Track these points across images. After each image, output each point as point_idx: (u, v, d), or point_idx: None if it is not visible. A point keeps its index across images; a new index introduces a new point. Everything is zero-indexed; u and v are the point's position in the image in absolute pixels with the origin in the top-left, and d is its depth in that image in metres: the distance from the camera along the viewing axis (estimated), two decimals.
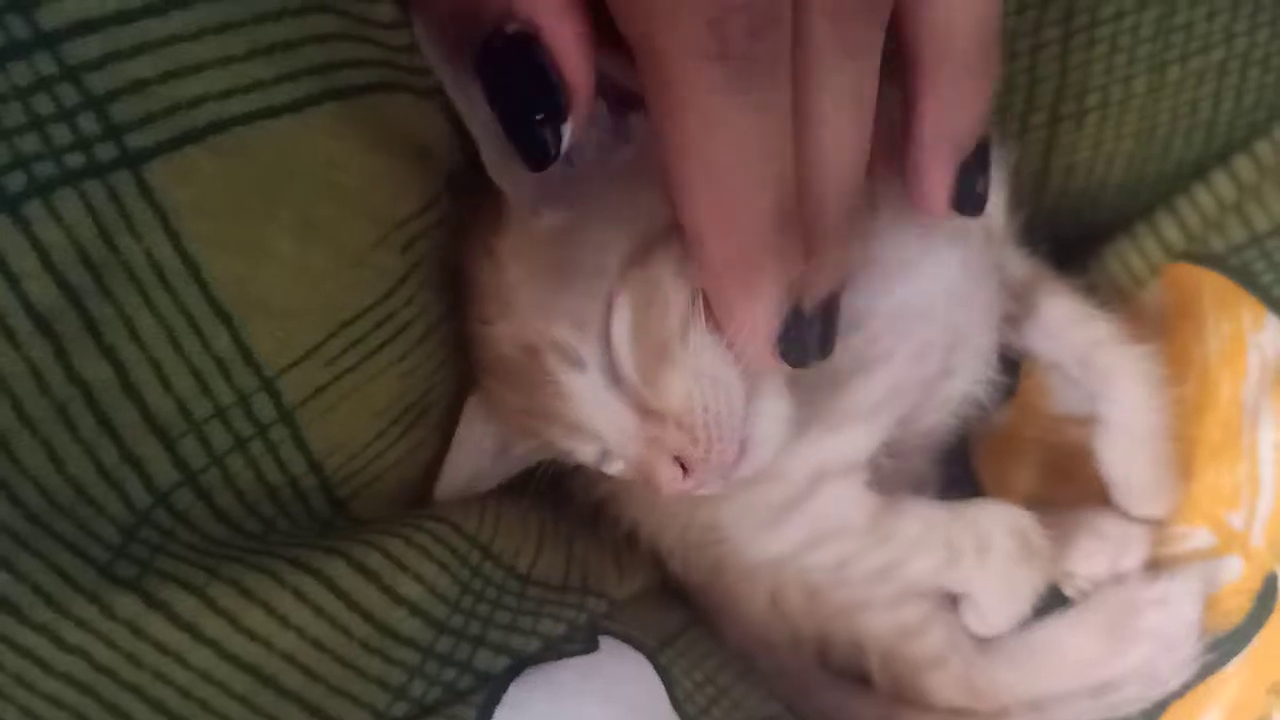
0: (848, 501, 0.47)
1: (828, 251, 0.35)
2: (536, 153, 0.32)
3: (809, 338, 0.36)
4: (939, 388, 0.48)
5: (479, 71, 0.32)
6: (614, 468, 0.41)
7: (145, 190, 0.29)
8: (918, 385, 0.46)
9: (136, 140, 0.29)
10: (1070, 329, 0.50)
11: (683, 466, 0.38)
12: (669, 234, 0.36)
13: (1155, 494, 0.52)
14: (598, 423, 0.39)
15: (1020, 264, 0.50)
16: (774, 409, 0.38)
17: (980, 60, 0.36)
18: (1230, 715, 0.47)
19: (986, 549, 0.48)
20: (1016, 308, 0.50)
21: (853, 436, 0.46)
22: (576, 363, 0.38)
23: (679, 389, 0.37)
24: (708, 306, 0.36)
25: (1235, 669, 0.48)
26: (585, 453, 0.41)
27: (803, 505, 0.46)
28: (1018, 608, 0.50)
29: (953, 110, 0.36)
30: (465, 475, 0.43)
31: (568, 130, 0.32)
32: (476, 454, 0.43)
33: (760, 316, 0.35)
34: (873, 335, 0.42)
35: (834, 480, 0.46)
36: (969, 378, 0.48)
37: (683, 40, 0.29)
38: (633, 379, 0.38)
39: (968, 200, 0.38)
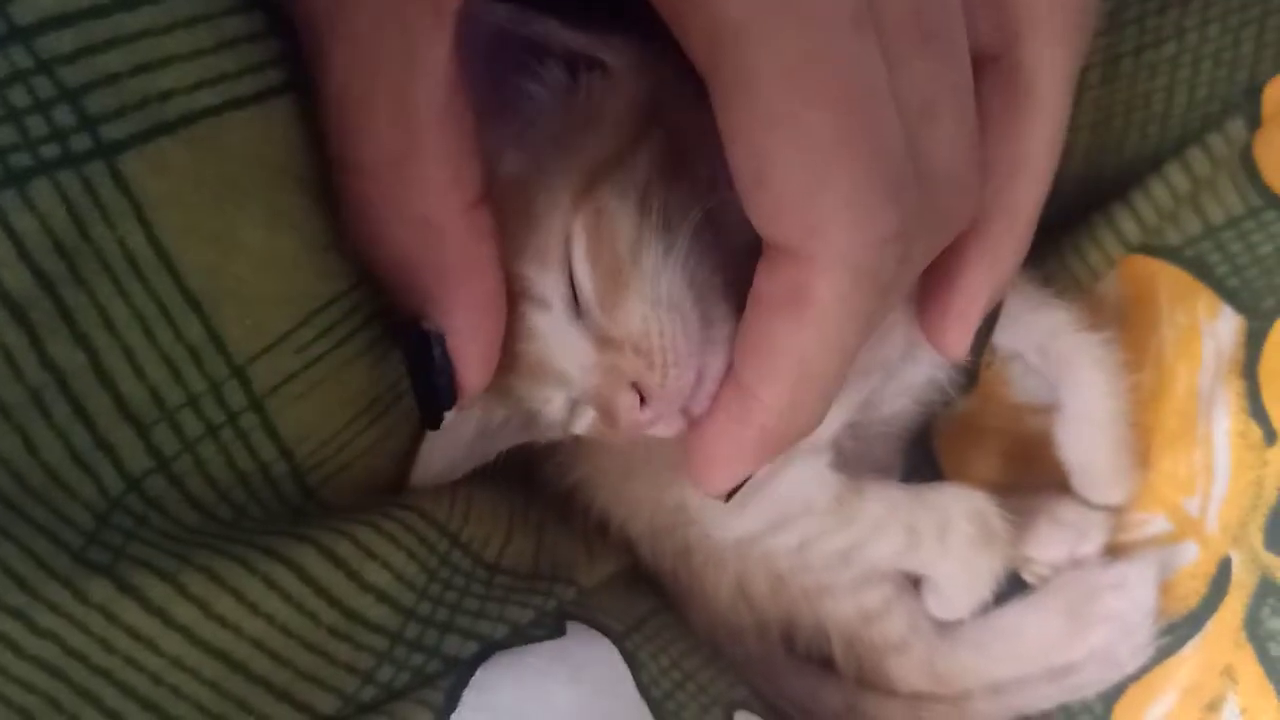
0: (812, 482, 0.48)
1: None
2: (429, 416, 0.37)
3: None
4: (901, 371, 0.49)
5: (396, 334, 0.37)
6: (582, 423, 0.41)
7: (119, 181, 0.29)
8: (879, 366, 0.47)
9: (111, 132, 0.29)
10: (1028, 317, 0.51)
11: (641, 399, 0.38)
12: (611, 164, 0.38)
13: (1114, 481, 0.53)
14: (560, 360, 0.39)
15: None
16: (728, 335, 0.38)
17: (1029, 234, 0.39)
18: (1185, 697, 0.48)
19: (947, 532, 0.49)
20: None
21: None
22: (541, 301, 0.38)
23: (635, 313, 0.38)
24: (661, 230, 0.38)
25: (1191, 652, 0.49)
26: (553, 407, 0.41)
27: (767, 486, 0.47)
28: (979, 592, 0.51)
29: (999, 272, 0.39)
30: (441, 461, 0.43)
31: (449, 416, 0.37)
32: (453, 438, 0.43)
33: (745, 473, 0.38)
34: None
35: (798, 461, 0.47)
36: (931, 362, 0.49)
37: (840, 255, 0.31)
38: (593, 309, 0.38)
39: (979, 345, 0.41)
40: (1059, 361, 0.52)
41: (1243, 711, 0.45)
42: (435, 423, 0.37)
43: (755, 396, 0.35)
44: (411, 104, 0.32)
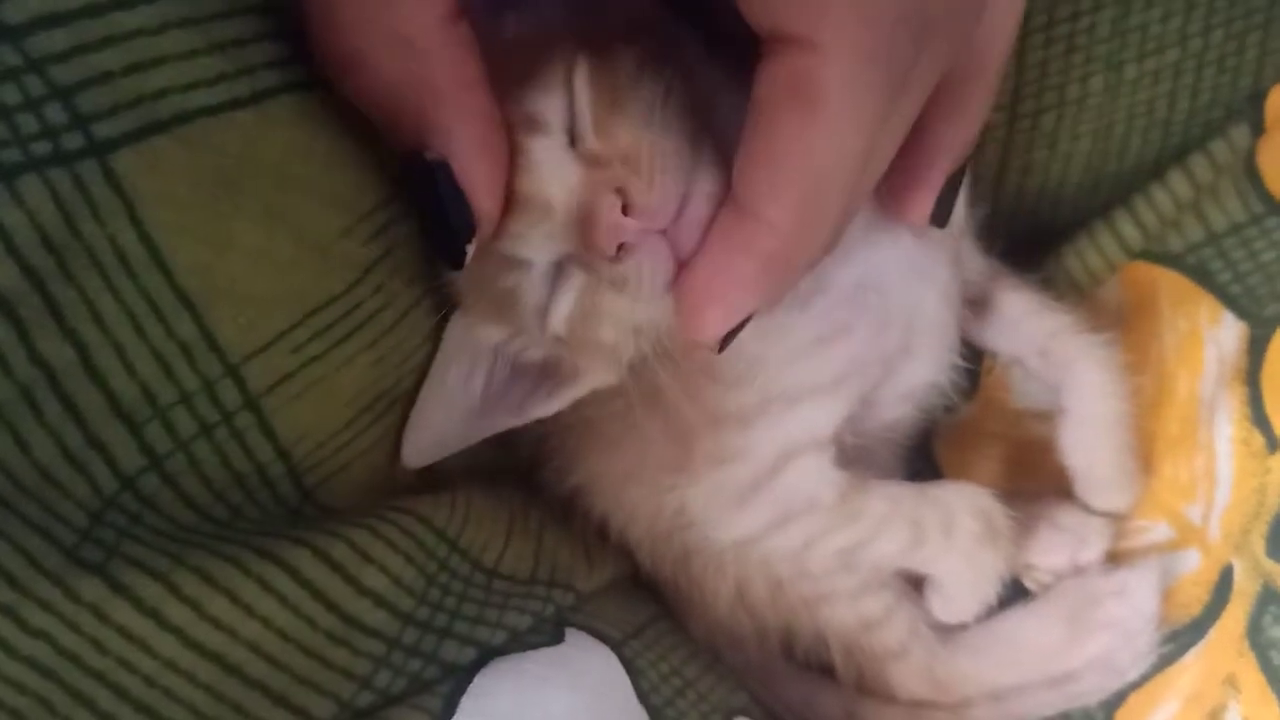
0: (816, 478, 0.47)
1: None
2: (449, 254, 0.35)
3: None
4: (901, 367, 0.48)
5: (401, 171, 0.35)
6: (562, 304, 0.40)
7: (112, 178, 0.29)
8: (878, 360, 0.47)
9: (103, 130, 0.29)
10: (1029, 321, 0.51)
11: (624, 210, 0.36)
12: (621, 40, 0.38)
13: (1118, 485, 0.53)
14: (549, 184, 0.37)
15: (978, 261, 0.51)
16: (716, 161, 0.38)
17: (997, 80, 0.37)
18: (1187, 705, 0.48)
19: (951, 529, 0.48)
20: (976, 304, 0.51)
21: (815, 409, 0.46)
22: (541, 125, 0.37)
23: (628, 128, 0.37)
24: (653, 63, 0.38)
25: (1192, 660, 0.49)
26: (535, 276, 0.40)
27: (770, 483, 0.47)
28: (983, 593, 0.50)
29: (962, 128, 0.37)
30: (436, 428, 0.43)
31: (470, 250, 0.35)
32: (447, 409, 0.43)
33: (746, 311, 0.35)
34: (830, 307, 0.43)
35: (802, 457, 0.46)
36: (931, 362, 0.49)
37: (846, 36, 0.29)
38: (587, 133, 0.37)
39: (942, 214, 0.39)
40: (1061, 364, 0.52)
41: (1245, 719, 0.45)
42: (459, 260, 0.35)
43: (757, 217, 0.33)
44: None
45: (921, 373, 0.50)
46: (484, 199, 0.35)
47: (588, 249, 0.37)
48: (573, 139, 0.37)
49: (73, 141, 0.28)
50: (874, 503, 0.48)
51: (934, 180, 0.38)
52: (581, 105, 0.37)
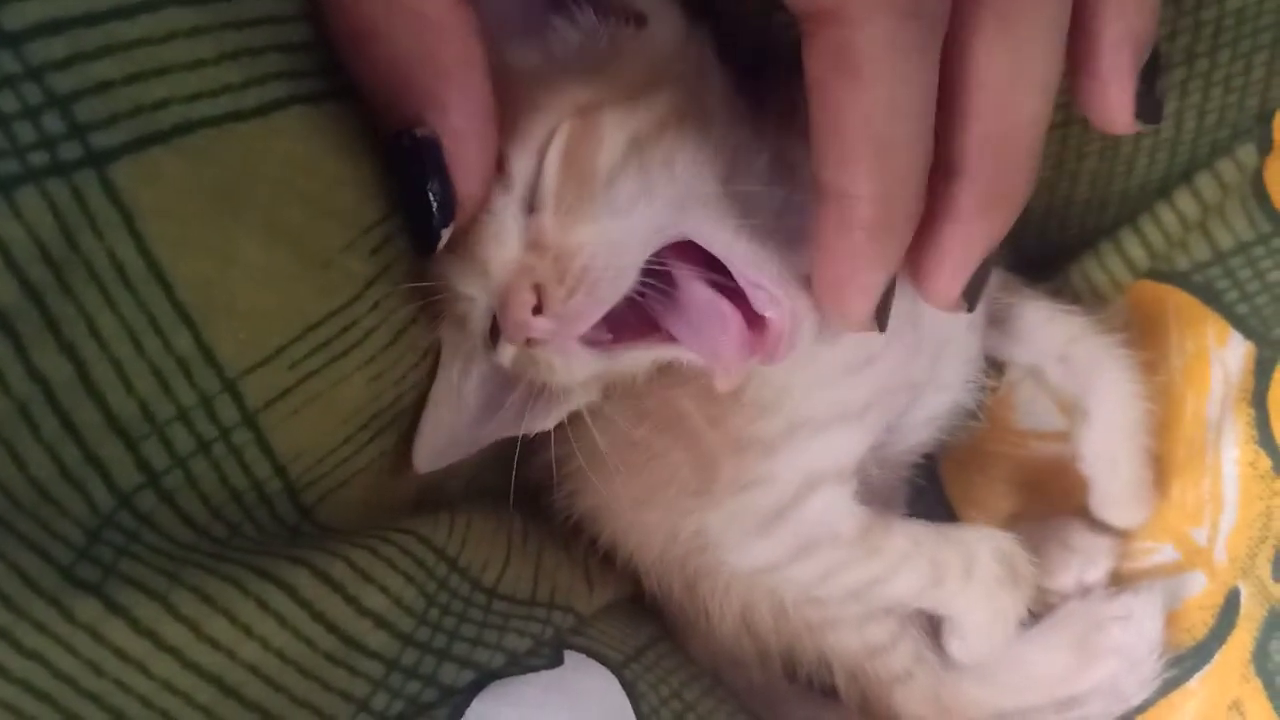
0: (839, 511, 0.47)
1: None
2: (425, 235, 0.36)
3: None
4: (927, 393, 0.48)
5: (388, 150, 0.35)
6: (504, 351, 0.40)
7: (110, 190, 0.29)
8: (905, 387, 0.47)
9: (102, 140, 0.29)
10: (1047, 328, 0.51)
11: (538, 305, 0.37)
12: (621, 99, 0.38)
13: (1135, 499, 0.53)
14: (489, 245, 0.38)
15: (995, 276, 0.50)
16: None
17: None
18: None
19: (972, 571, 0.48)
20: (993, 317, 0.51)
21: (841, 438, 0.46)
22: (506, 179, 0.37)
23: (585, 228, 0.37)
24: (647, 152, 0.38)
25: (1198, 684, 0.48)
26: (476, 308, 0.40)
27: (793, 512, 0.46)
28: (1001, 632, 0.50)
29: (1135, 6, 0.35)
30: (444, 433, 0.42)
31: (445, 235, 0.35)
32: (456, 411, 0.42)
33: (880, 281, 0.36)
34: (860, 336, 0.43)
35: (825, 488, 0.46)
36: (957, 383, 0.49)
37: (878, 3, 0.30)
38: (545, 209, 0.37)
39: (1151, 107, 0.37)
40: (1083, 369, 0.52)
41: None
42: (431, 244, 0.36)
43: (843, 193, 0.33)
44: None
45: (946, 397, 0.49)
46: (468, 181, 0.35)
47: (499, 316, 0.38)
48: (530, 204, 0.38)
49: (70, 152, 0.28)
50: (895, 540, 0.48)
51: (1123, 74, 0.36)
52: (548, 177, 0.37)
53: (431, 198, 0.35)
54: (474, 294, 0.39)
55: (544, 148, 0.37)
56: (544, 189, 0.37)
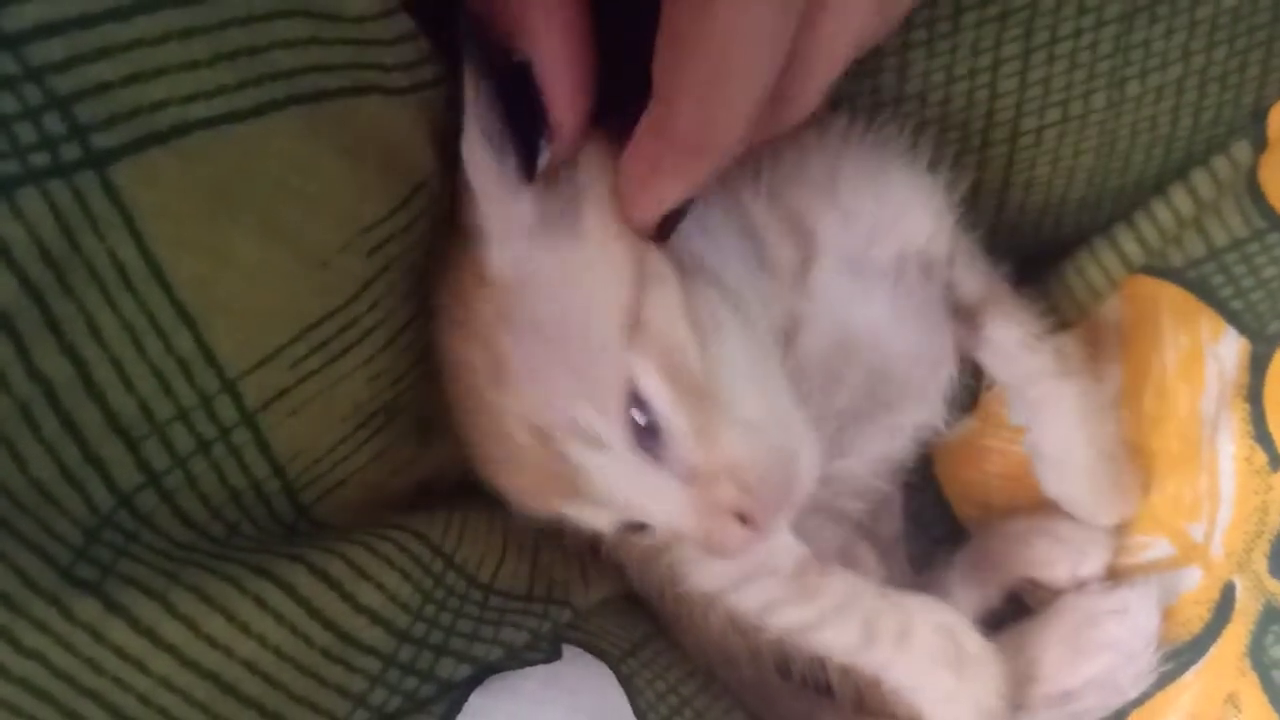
0: (774, 544, 0.47)
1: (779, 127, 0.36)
2: (522, 161, 0.36)
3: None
4: (876, 418, 0.48)
5: (488, 75, 0.35)
6: (646, 538, 0.41)
7: (110, 190, 0.29)
8: (833, 417, 0.47)
9: (102, 141, 0.29)
10: (1010, 358, 0.51)
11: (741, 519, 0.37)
12: (653, 276, 0.37)
13: (1102, 508, 0.53)
14: (637, 501, 0.38)
15: (974, 284, 0.50)
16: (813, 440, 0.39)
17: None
18: None
19: (908, 639, 0.48)
20: (966, 328, 0.51)
21: None
22: (596, 443, 0.37)
23: (731, 435, 0.37)
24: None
25: (1193, 678, 0.49)
26: (602, 523, 0.40)
27: None
28: None
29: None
30: None
31: (543, 160, 0.36)
32: None
33: (671, 195, 0.36)
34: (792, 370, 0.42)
35: None
36: (916, 408, 0.49)
37: None
38: (681, 438, 0.37)
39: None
40: (1031, 407, 0.52)
41: None
42: (530, 170, 0.36)
43: (667, 103, 0.33)
44: None
45: (909, 417, 0.49)
46: (564, 110, 0.35)
47: (707, 549, 0.39)
48: (648, 448, 0.37)
49: (71, 152, 0.28)
50: (833, 586, 0.48)
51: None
52: (664, 418, 0.37)
53: (533, 123, 0.35)
54: (604, 519, 0.40)
55: (627, 402, 0.37)
56: (667, 428, 0.37)
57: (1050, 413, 0.51)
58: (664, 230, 0.37)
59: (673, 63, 0.32)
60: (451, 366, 0.40)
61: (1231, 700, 0.46)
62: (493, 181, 0.36)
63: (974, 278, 0.50)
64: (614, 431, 0.37)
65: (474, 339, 0.38)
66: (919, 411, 0.50)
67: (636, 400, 0.37)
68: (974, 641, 0.49)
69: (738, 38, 0.31)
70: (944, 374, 0.51)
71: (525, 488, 0.41)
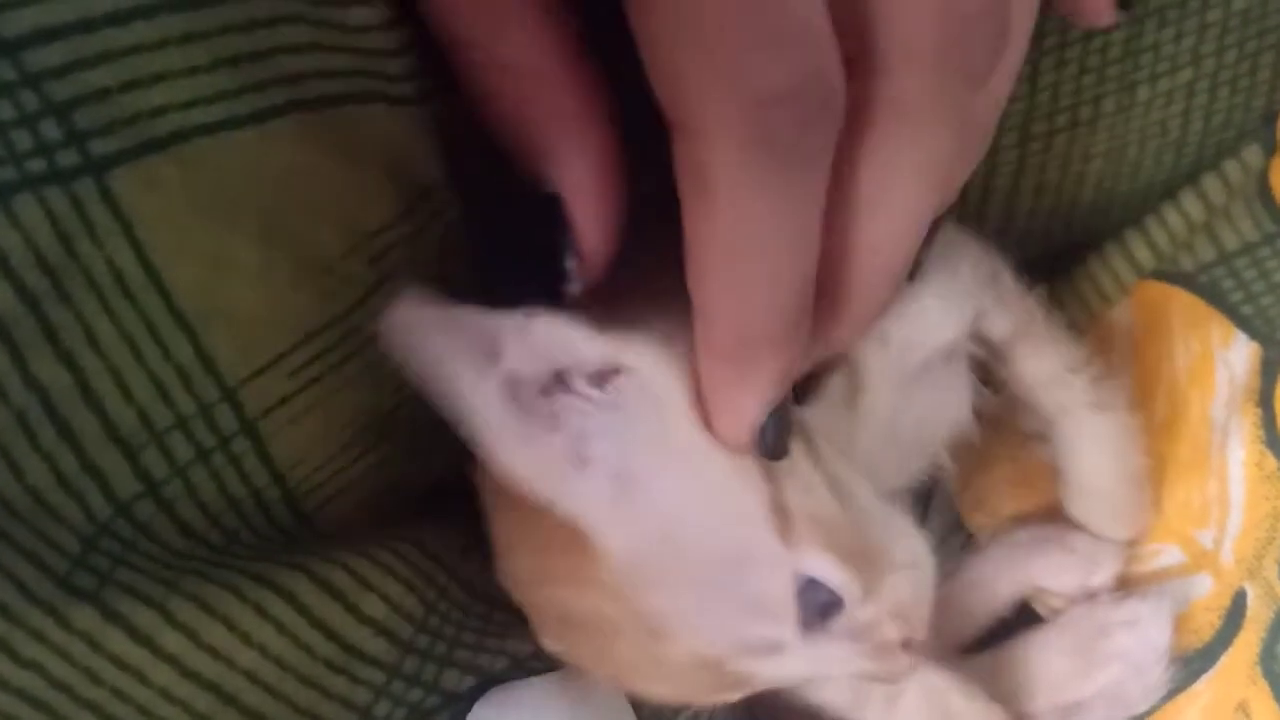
0: None
1: (837, 337, 0.34)
2: (549, 292, 0.34)
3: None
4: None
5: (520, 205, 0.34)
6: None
7: (108, 198, 0.29)
8: None
9: (100, 147, 0.28)
10: (1040, 392, 0.50)
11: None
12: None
13: (1121, 527, 0.53)
14: (808, 675, 0.38)
15: (1004, 323, 0.48)
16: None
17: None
18: None
19: (895, 701, 0.48)
20: (998, 362, 0.50)
21: None
22: (772, 649, 0.36)
23: (898, 583, 0.37)
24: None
25: (1204, 687, 0.48)
26: None
27: None
28: None
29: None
30: None
31: (574, 288, 0.34)
32: None
33: (747, 408, 0.34)
34: None
35: None
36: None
37: (725, 123, 0.28)
38: (854, 606, 0.36)
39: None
40: (1064, 441, 0.52)
41: None
42: (558, 298, 0.34)
43: (701, 313, 0.32)
44: None
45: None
46: (593, 238, 0.34)
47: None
48: (820, 630, 0.36)
49: (68, 159, 0.28)
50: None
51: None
52: (843, 592, 0.36)
53: (561, 253, 0.34)
54: None
55: (792, 598, 0.36)
56: (843, 601, 0.36)
57: (1084, 445, 0.51)
58: (764, 442, 0.35)
59: (696, 275, 0.31)
60: (573, 624, 0.38)
61: (1242, 708, 0.46)
62: (545, 463, 0.34)
63: (1004, 317, 0.48)
64: (789, 631, 0.36)
65: (606, 603, 0.36)
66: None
67: (807, 586, 0.36)
68: (962, 704, 0.49)
69: (747, 240, 0.30)
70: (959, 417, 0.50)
71: (674, 694, 0.40)
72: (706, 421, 0.34)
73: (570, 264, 0.34)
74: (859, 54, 0.29)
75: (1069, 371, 0.50)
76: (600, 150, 0.33)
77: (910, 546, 0.39)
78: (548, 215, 0.33)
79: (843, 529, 0.36)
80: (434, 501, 0.43)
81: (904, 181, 0.32)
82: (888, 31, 0.29)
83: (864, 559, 0.36)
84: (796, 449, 0.36)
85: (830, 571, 0.35)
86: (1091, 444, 0.51)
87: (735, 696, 0.39)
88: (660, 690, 0.39)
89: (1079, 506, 0.53)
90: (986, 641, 0.55)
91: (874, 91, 0.30)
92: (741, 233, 0.30)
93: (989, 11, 0.30)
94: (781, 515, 0.35)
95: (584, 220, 0.33)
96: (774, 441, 0.34)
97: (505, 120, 0.33)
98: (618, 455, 0.34)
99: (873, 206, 0.32)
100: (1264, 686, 0.45)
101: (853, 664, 0.38)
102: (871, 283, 0.33)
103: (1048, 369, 0.50)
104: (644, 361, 0.34)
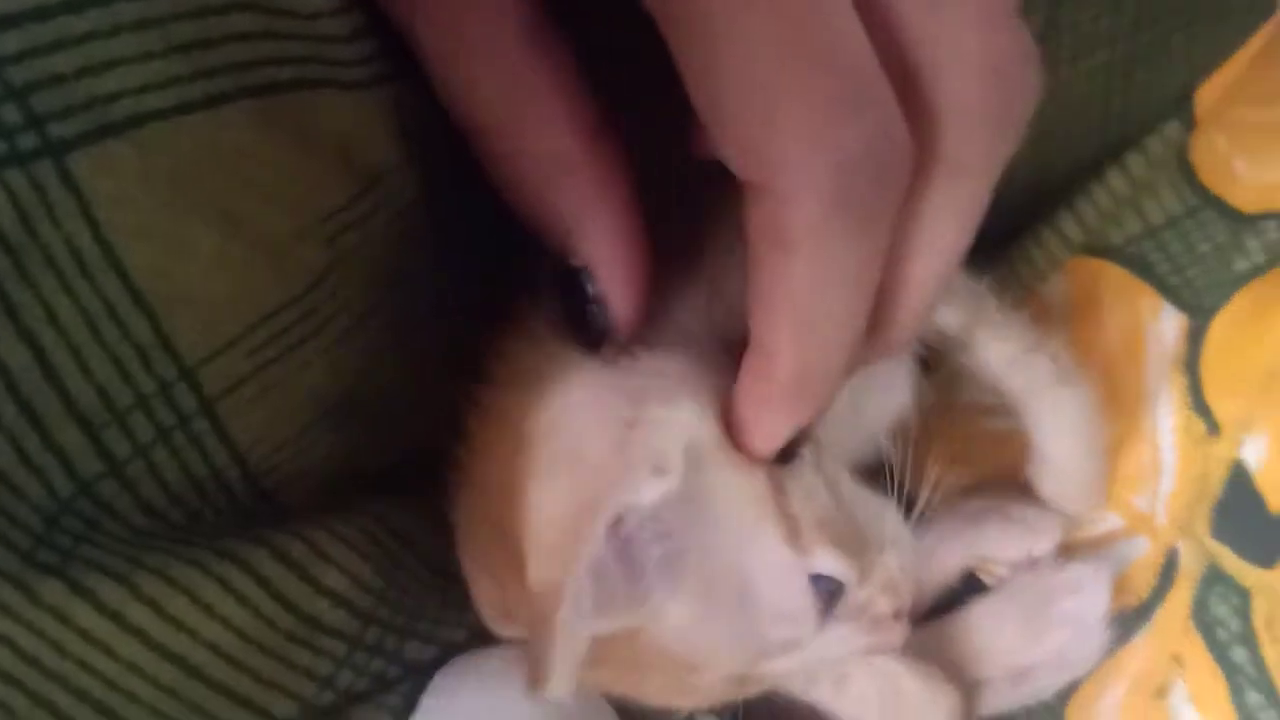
0: None
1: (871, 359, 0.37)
2: (588, 340, 0.37)
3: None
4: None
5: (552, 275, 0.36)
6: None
7: (68, 179, 0.29)
8: None
9: (58, 130, 0.29)
10: (1004, 377, 0.52)
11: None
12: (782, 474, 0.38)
13: (1087, 499, 0.54)
14: (817, 658, 0.40)
15: (955, 316, 0.50)
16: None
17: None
18: (1134, 686, 0.49)
19: (844, 682, 0.50)
20: (957, 352, 0.51)
21: None
22: (791, 647, 0.39)
23: (888, 561, 0.40)
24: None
25: (1141, 640, 0.50)
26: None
27: None
28: None
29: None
30: None
31: (610, 345, 0.37)
32: None
33: (784, 431, 0.36)
34: None
35: None
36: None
37: (811, 186, 0.29)
38: (855, 590, 0.39)
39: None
40: (1034, 419, 0.53)
41: (1191, 696, 0.46)
42: (596, 348, 0.37)
43: (765, 351, 0.34)
44: (503, 52, 0.33)
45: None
46: (623, 307, 0.36)
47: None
48: (828, 607, 0.39)
49: (28, 142, 0.29)
50: None
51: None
52: (845, 581, 0.38)
53: (592, 321, 0.36)
54: None
55: (816, 602, 0.38)
56: (846, 588, 0.39)
57: (1054, 423, 0.52)
58: (786, 458, 0.38)
59: (763, 317, 0.33)
60: (600, 665, 0.38)
61: (1176, 659, 0.47)
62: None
63: (954, 311, 0.50)
64: (810, 629, 0.39)
65: (641, 654, 0.38)
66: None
67: (815, 581, 0.38)
68: (913, 684, 0.50)
69: (823, 291, 0.32)
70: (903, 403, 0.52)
71: (695, 705, 0.42)
72: (737, 440, 0.37)
73: (601, 325, 0.36)
74: (911, 110, 0.31)
75: (1029, 352, 0.51)
76: (626, 226, 0.35)
77: (889, 523, 0.41)
78: (573, 282, 0.35)
79: (838, 521, 0.38)
80: (394, 479, 0.44)
81: (953, 227, 0.34)
82: (939, 88, 0.31)
83: (856, 544, 0.39)
84: (804, 455, 0.39)
85: (836, 565, 0.38)
86: (1062, 420, 0.52)
87: (751, 694, 0.42)
88: (681, 704, 0.42)
89: (1050, 484, 0.54)
90: (936, 612, 0.56)
91: (929, 146, 0.32)
92: (818, 284, 0.32)
93: (1027, 61, 0.32)
94: (791, 524, 0.37)
95: (614, 292, 0.35)
96: (791, 448, 0.38)
97: (530, 203, 0.35)
98: (676, 550, 0.37)
99: (926, 251, 0.34)
100: (1196, 638, 0.47)
101: (854, 642, 0.40)
102: (915, 314, 0.36)
103: (1008, 353, 0.51)
104: (688, 425, 0.37)
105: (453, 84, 0.34)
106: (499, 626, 0.41)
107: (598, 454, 0.36)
